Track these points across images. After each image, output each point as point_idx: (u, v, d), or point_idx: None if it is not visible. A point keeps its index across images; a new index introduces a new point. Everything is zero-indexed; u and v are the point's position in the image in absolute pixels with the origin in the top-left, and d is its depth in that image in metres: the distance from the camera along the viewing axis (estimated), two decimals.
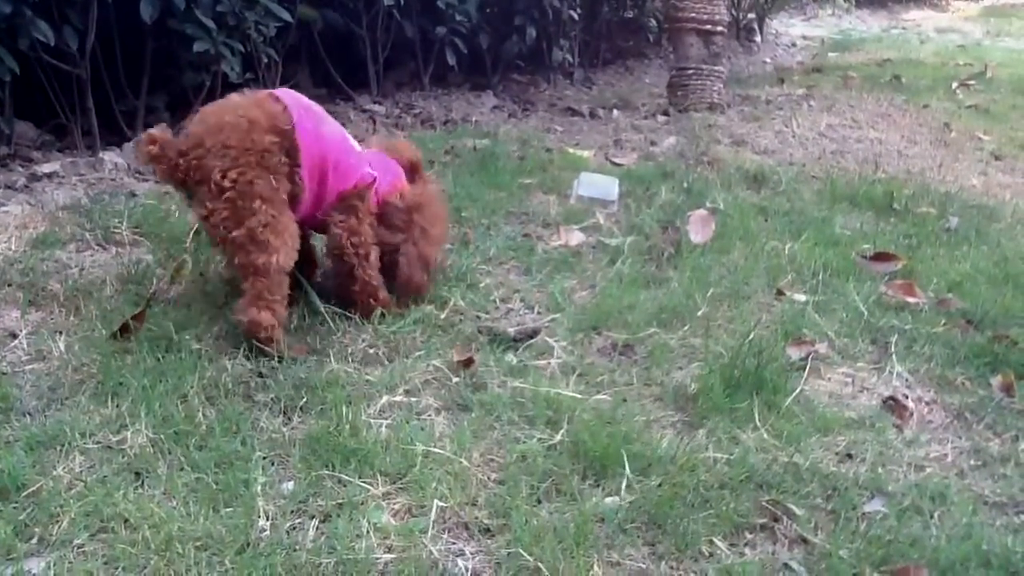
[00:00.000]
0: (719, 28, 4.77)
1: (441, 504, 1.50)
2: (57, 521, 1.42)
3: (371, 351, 1.99)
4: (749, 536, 1.52)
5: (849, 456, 1.75)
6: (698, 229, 2.76)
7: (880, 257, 2.67)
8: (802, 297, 2.40)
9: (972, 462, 1.78)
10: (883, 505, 1.60)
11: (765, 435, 1.78)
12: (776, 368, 1.97)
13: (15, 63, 2.94)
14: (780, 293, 2.42)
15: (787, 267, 2.59)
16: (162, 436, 1.63)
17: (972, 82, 6.03)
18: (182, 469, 1.56)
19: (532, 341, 2.08)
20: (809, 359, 2.07)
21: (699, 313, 2.26)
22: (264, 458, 1.60)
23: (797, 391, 1.93)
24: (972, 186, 3.64)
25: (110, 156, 3.27)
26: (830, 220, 3.03)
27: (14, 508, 1.44)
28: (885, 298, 2.42)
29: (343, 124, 4.07)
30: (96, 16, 3.14)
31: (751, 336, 2.04)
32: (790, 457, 1.70)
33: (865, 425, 1.86)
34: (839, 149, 4.08)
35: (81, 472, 1.54)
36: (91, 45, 3.19)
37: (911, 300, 2.41)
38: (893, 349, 2.15)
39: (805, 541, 1.51)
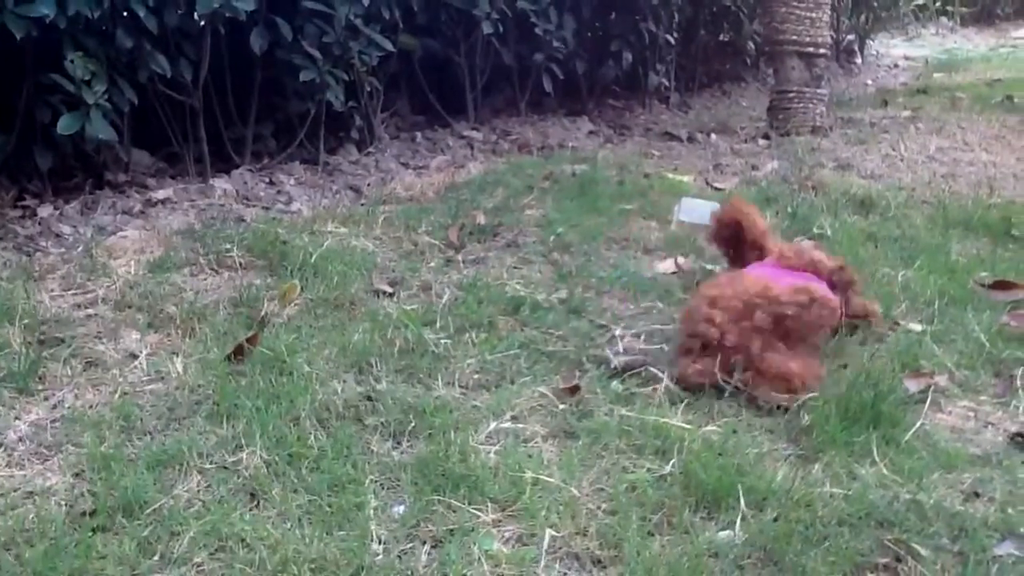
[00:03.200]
0: (822, 50, 4.68)
1: (553, 533, 1.49)
2: (178, 539, 1.45)
3: (477, 377, 2.00)
4: None
5: (976, 495, 1.66)
6: None
7: (1000, 285, 2.55)
8: (918, 327, 2.31)
9: None
10: (1015, 548, 1.51)
11: (884, 470, 1.71)
12: (894, 401, 1.89)
13: (134, 94, 3.07)
14: (894, 323, 2.34)
15: (900, 295, 2.50)
16: (276, 458, 1.66)
17: None
18: (296, 491, 1.58)
19: (638, 370, 2.06)
20: (929, 392, 1.99)
21: None
22: (375, 482, 1.61)
23: (917, 425, 1.85)
24: None
25: (219, 183, 3.38)
26: (944, 246, 2.91)
27: (138, 524, 1.48)
28: (1008, 329, 2.30)
29: (441, 151, 4.18)
30: (209, 48, 3.26)
31: (866, 367, 1.97)
32: (912, 494, 1.63)
33: (992, 462, 1.77)
34: (950, 172, 3.93)
35: (199, 491, 1.58)
36: (204, 76, 3.31)
37: None
38: (1019, 382, 2.05)
39: None
